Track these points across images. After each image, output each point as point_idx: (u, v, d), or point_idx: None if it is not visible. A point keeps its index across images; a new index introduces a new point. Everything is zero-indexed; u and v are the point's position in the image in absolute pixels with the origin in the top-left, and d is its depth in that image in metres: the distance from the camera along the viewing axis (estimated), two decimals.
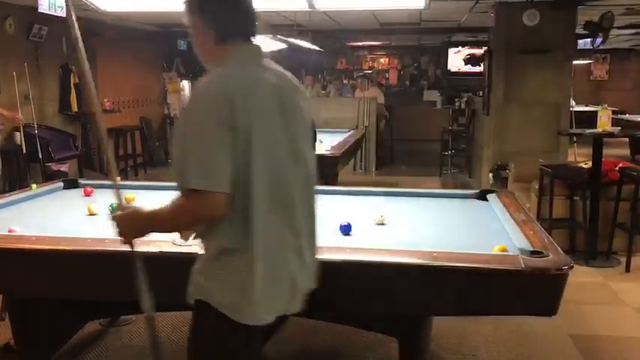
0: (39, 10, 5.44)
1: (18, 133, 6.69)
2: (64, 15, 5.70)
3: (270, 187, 1.72)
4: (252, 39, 1.80)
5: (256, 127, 1.66)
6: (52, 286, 2.46)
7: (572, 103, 7.43)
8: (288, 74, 1.88)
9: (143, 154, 9.66)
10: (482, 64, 8.13)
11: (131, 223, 1.88)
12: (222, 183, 1.63)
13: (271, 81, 1.76)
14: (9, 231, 2.58)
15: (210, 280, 1.79)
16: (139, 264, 1.97)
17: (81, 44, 1.91)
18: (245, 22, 1.77)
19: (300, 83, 1.96)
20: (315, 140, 2.29)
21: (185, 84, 11.49)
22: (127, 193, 3.45)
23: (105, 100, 8.44)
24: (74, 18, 1.91)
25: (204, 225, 1.77)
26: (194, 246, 2.34)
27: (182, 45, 10.82)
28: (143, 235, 1.92)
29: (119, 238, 1.89)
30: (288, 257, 1.81)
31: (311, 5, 3.45)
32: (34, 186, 3.67)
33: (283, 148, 1.75)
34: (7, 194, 3.55)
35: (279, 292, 1.80)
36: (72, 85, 7.98)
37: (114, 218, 1.88)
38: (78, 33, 1.90)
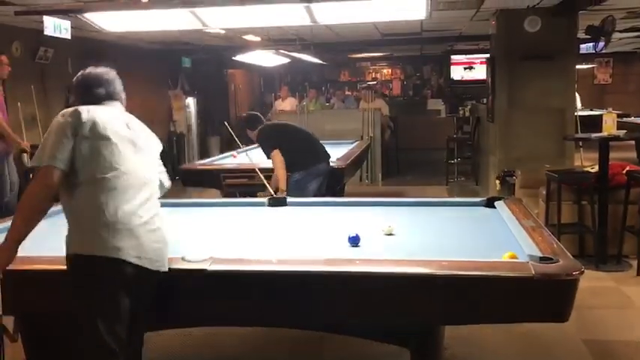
0: (44, 33, 5.51)
1: (25, 154, 6.73)
2: (68, 37, 5.78)
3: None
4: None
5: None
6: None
7: (579, 104, 7.42)
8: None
9: None
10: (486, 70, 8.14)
11: None
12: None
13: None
14: None
15: None
16: None
17: None
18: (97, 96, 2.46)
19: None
20: None
21: (190, 101, 11.57)
22: None
23: None
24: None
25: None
26: (203, 262, 2.36)
27: (186, 62, 10.91)
28: (11, 254, 2.26)
29: None
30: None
31: (313, 20, 3.48)
32: None
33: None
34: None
35: None
36: None
37: None
38: None
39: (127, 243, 2.22)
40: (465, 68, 12.73)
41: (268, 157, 4.92)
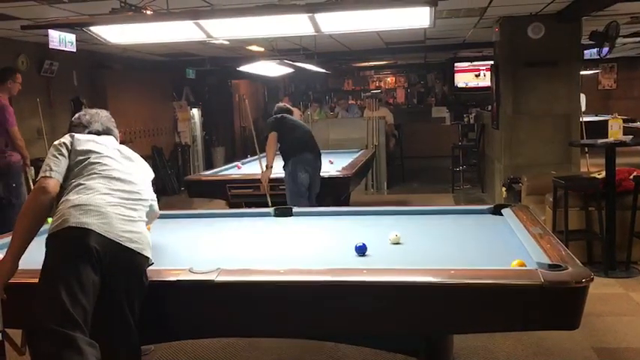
0: (50, 47, 5.55)
1: (32, 167, 6.76)
2: (74, 50, 5.81)
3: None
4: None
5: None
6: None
7: (584, 106, 7.39)
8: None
9: (156, 182, 9.67)
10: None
11: None
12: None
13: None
14: None
15: None
16: None
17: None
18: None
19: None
20: None
21: (195, 112, 11.61)
22: None
23: None
24: None
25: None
26: (211, 273, 2.36)
27: (191, 74, 10.95)
28: (12, 267, 2.32)
29: None
30: None
31: (317, 29, 3.48)
32: (49, 220, 3.69)
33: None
34: None
35: None
36: None
37: None
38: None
39: (95, 220, 2.30)
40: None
41: (266, 137, 5.64)
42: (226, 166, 7.01)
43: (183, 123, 11.01)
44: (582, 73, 8.06)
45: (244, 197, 5.61)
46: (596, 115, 11.33)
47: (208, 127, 12.14)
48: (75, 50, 5.85)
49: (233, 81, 13.16)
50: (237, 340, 3.62)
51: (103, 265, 2.28)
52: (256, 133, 6.35)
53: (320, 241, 3.23)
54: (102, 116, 2.82)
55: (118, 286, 2.31)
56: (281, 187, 5.42)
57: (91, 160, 2.52)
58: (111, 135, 2.80)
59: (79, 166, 2.50)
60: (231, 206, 5.53)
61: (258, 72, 8.39)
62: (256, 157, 5.90)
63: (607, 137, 5.09)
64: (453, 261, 2.51)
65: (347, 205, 6.29)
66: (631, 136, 5.17)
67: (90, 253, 2.25)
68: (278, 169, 5.52)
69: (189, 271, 2.40)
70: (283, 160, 5.59)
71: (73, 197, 2.38)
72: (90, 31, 3.54)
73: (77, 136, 2.61)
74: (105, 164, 2.53)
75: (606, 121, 5.36)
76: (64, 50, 5.73)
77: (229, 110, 13.30)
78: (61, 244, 2.29)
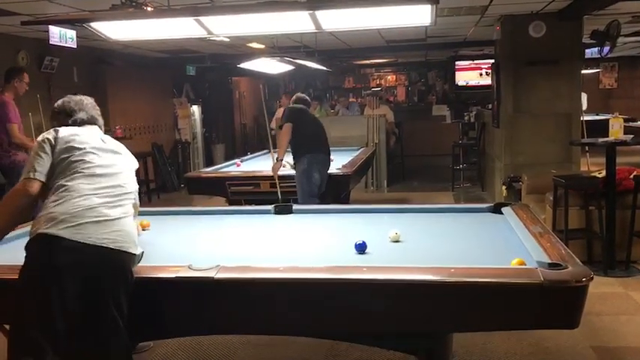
0: (50, 42, 5.54)
1: None
2: (74, 46, 5.80)
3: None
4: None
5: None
6: None
7: (585, 105, 7.38)
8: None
9: (156, 179, 9.72)
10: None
11: None
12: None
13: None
14: None
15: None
16: None
17: None
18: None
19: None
20: None
21: (195, 109, 11.59)
22: (142, 219, 3.48)
23: (116, 127, 8.54)
24: None
25: None
26: (210, 270, 2.36)
27: (191, 71, 10.93)
28: None
29: None
30: None
31: (318, 27, 3.48)
32: None
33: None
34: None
35: None
36: None
37: None
38: None
39: (70, 230, 2.27)
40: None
41: (281, 127, 5.52)
42: (226, 163, 7.01)
43: (184, 120, 11.01)
44: (583, 72, 8.05)
45: (244, 195, 5.60)
46: (597, 115, 11.34)
47: (208, 124, 12.14)
48: (75, 46, 5.84)
49: (233, 78, 13.15)
50: (236, 337, 3.62)
51: (85, 270, 2.28)
52: (257, 131, 6.34)
53: (320, 238, 3.23)
54: (86, 104, 2.73)
55: (103, 288, 2.30)
56: (282, 183, 5.38)
57: (74, 158, 2.47)
58: (95, 125, 2.72)
59: (62, 164, 2.46)
60: (231, 203, 5.52)
61: (259, 69, 8.38)
62: (264, 152, 5.87)
63: (607, 136, 5.09)
64: (453, 259, 2.51)
65: (347, 203, 6.28)
66: (631, 136, 5.18)
67: (59, 265, 2.24)
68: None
69: (189, 267, 2.40)
70: (294, 155, 5.46)
71: (53, 205, 2.35)
72: (90, 27, 3.54)
73: (61, 131, 2.54)
74: (88, 161, 2.48)
75: (607, 121, 5.35)
76: (64, 46, 5.71)
77: (229, 107, 13.29)
78: (31, 256, 2.30)
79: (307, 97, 6.03)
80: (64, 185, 2.40)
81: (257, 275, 2.38)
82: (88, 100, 2.76)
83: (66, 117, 2.66)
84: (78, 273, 2.27)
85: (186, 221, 3.69)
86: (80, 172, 2.44)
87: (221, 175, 5.94)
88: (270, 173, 5.39)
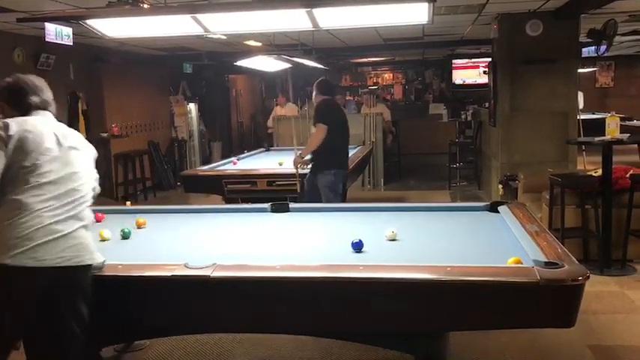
0: (46, 40, 5.52)
1: None
2: (70, 43, 5.78)
3: None
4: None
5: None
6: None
7: (581, 104, 7.39)
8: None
9: (152, 177, 9.70)
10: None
11: None
12: None
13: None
14: None
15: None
16: None
17: None
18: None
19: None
20: None
21: (192, 106, 11.57)
22: (138, 217, 3.48)
23: (113, 125, 8.51)
24: None
25: None
26: (206, 269, 2.35)
27: (187, 68, 10.92)
28: None
29: None
30: None
31: (315, 24, 3.47)
32: None
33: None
34: None
35: None
36: (80, 112, 8.05)
37: None
38: None
39: (17, 252, 2.18)
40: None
41: (315, 124, 5.12)
42: (222, 162, 7.00)
43: (180, 117, 10.98)
44: (580, 70, 8.06)
45: (240, 193, 5.59)
46: (594, 113, 11.37)
47: (205, 121, 12.12)
48: (71, 43, 5.82)
49: (230, 76, 13.13)
50: (232, 335, 3.62)
51: (40, 292, 2.25)
52: (254, 128, 6.31)
53: (316, 237, 3.23)
54: (39, 86, 2.52)
55: (59, 304, 2.29)
56: (278, 182, 5.39)
57: (26, 163, 2.27)
58: (47, 110, 2.51)
59: (13, 168, 2.26)
60: (228, 202, 5.52)
61: (256, 67, 8.37)
62: (260, 150, 5.79)
63: (604, 135, 5.09)
64: (449, 258, 2.51)
65: (344, 201, 6.28)
66: (628, 135, 5.18)
67: (12, 292, 2.21)
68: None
69: (185, 266, 2.39)
70: (319, 161, 5.14)
71: (4, 224, 2.21)
72: (86, 24, 3.52)
73: (11, 127, 2.29)
74: (39, 167, 2.29)
75: (603, 119, 5.35)
76: (60, 43, 5.70)
77: (226, 105, 13.27)
78: None
79: (333, 84, 5.56)
80: (14, 200, 2.24)
81: (253, 274, 2.38)
82: (42, 83, 2.55)
83: (19, 99, 2.44)
84: (32, 297, 2.25)
85: (182, 219, 3.68)
86: (30, 184, 2.26)
87: (218, 174, 5.93)
88: (267, 172, 5.39)
